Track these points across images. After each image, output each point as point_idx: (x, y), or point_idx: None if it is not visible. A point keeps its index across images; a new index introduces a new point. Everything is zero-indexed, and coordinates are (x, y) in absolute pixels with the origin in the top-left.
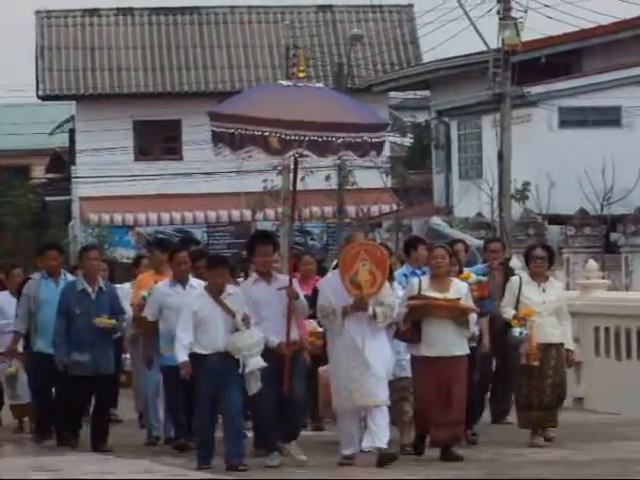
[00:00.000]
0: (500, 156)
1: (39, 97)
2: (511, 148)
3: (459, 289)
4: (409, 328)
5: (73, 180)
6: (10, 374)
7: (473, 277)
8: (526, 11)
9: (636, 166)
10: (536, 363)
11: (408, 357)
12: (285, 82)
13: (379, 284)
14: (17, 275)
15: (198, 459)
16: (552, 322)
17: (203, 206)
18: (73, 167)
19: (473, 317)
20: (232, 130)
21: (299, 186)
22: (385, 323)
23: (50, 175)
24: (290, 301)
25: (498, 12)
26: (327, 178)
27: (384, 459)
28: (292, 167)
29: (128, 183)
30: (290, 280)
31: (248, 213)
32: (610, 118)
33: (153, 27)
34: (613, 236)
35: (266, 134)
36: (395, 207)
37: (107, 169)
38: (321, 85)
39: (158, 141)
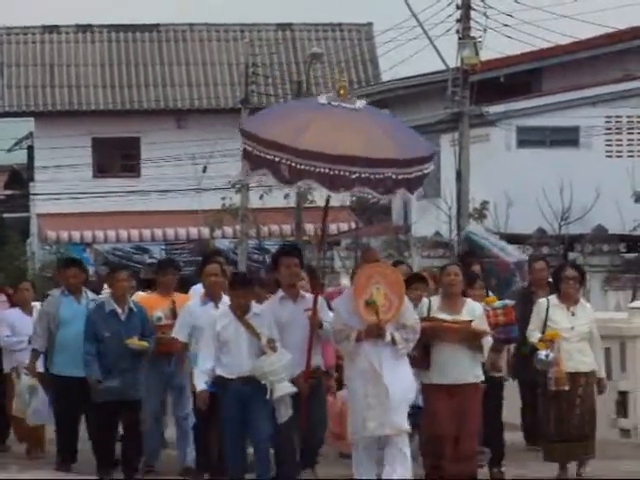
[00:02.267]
0: (458, 175)
1: None
2: (469, 167)
3: (472, 310)
4: (419, 353)
5: (31, 197)
6: (31, 385)
7: (498, 301)
8: (485, 30)
9: (593, 186)
10: (566, 388)
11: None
12: (323, 99)
13: (395, 309)
14: (26, 289)
15: None
16: (581, 348)
17: (161, 223)
18: (31, 184)
19: (488, 341)
20: (250, 149)
21: (258, 204)
22: (408, 348)
23: (8, 192)
24: (312, 328)
25: (457, 31)
26: (286, 196)
27: None
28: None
29: (86, 200)
30: (314, 302)
31: (206, 231)
32: (568, 138)
33: (112, 44)
34: (571, 255)
35: (277, 160)
36: (353, 225)
37: (65, 186)
38: (361, 105)
39: (117, 158)
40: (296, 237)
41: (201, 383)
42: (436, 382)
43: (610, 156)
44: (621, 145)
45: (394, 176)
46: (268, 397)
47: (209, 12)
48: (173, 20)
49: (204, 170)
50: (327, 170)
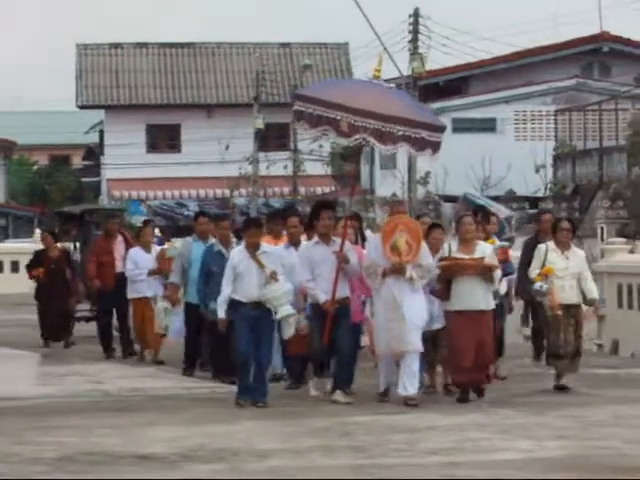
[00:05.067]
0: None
1: (78, 106)
2: None
3: (484, 250)
4: (441, 287)
5: (102, 166)
6: (165, 307)
7: (497, 243)
8: (429, 48)
9: (506, 161)
10: (559, 312)
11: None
12: (364, 78)
13: (414, 252)
14: (148, 233)
15: (238, 392)
16: (572, 285)
17: (196, 186)
18: (102, 157)
19: (497, 274)
20: (311, 110)
21: (265, 172)
22: (422, 283)
23: (86, 162)
24: (339, 264)
25: (409, 49)
26: (285, 167)
27: (408, 404)
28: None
29: (142, 169)
30: (342, 244)
31: (227, 192)
32: (488, 126)
33: (161, 57)
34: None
35: (338, 118)
36: (333, 189)
37: (127, 159)
38: (392, 86)
39: (164, 139)
40: (292, 196)
41: (221, 311)
42: (456, 309)
43: (518, 140)
44: (526, 132)
45: (427, 137)
46: (273, 318)
47: (231, 32)
48: (205, 40)
49: (227, 148)
50: (379, 127)
